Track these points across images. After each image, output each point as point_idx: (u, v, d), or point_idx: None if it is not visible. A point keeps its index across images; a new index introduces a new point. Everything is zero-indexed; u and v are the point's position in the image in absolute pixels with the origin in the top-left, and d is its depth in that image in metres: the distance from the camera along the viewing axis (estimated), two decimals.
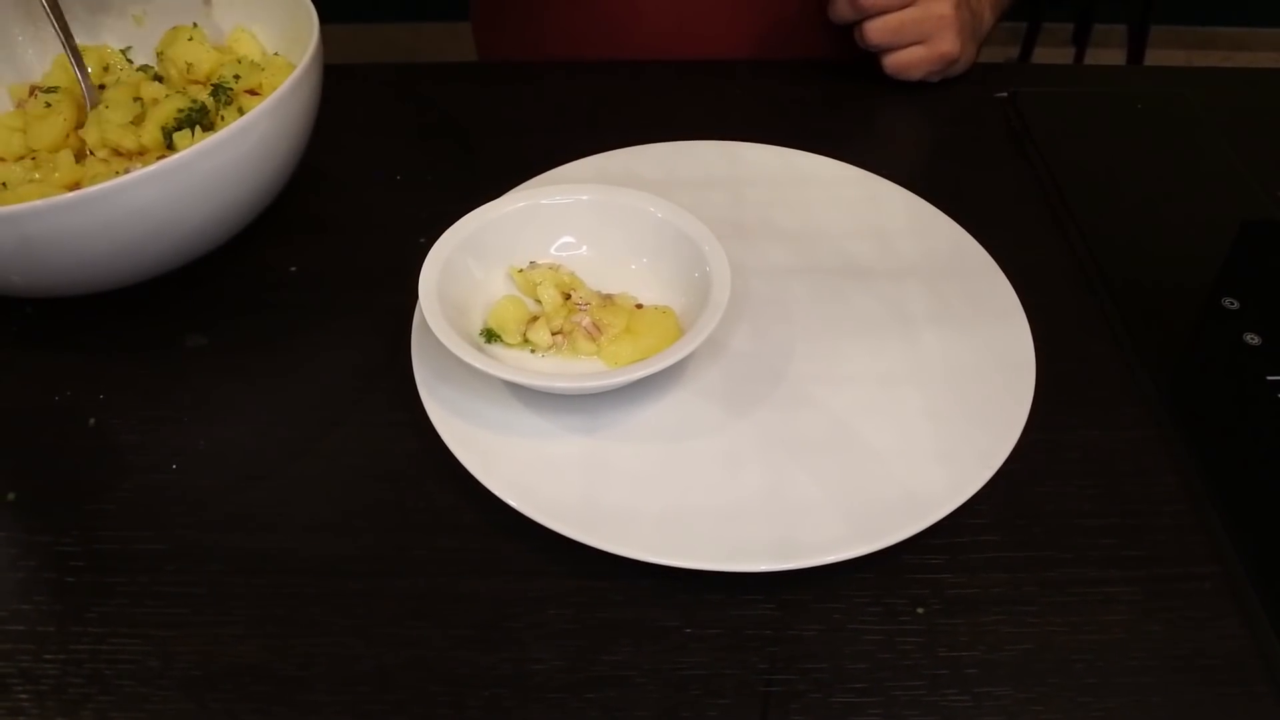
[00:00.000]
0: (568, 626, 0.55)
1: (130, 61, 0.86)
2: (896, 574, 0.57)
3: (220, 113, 0.78)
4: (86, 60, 0.83)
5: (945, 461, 0.60)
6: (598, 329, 0.66)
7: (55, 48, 0.84)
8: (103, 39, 0.87)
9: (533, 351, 0.67)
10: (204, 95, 0.79)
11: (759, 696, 0.52)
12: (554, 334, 0.67)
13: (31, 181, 0.74)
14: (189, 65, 0.81)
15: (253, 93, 0.80)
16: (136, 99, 0.79)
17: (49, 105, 0.79)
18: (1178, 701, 0.52)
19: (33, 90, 0.81)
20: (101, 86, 0.82)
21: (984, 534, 0.59)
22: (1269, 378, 0.65)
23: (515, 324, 0.67)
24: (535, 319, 0.68)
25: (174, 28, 0.85)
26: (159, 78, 0.83)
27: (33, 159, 0.76)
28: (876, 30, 0.89)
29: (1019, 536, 0.59)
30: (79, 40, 0.85)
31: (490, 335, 0.67)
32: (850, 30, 0.93)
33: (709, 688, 0.53)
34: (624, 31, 1.05)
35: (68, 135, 0.78)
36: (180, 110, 0.76)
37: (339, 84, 0.78)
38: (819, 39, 1.01)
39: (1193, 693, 0.52)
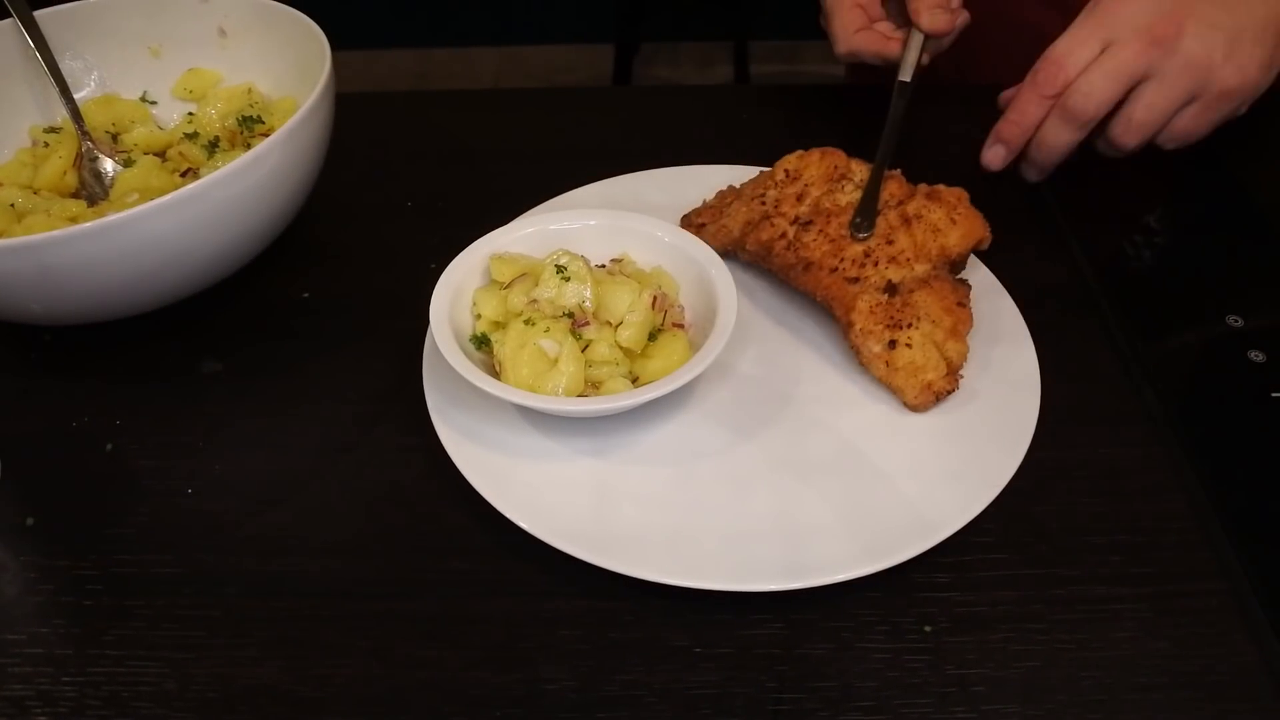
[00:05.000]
0: (579, 647, 0.56)
1: (154, 103, 0.89)
2: (904, 592, 0.58)
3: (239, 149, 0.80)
4: (112, 110, 0.86)
5: (952, 481, 0.61)
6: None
7: (78, 90, 0.86)
8: (119, 70, 0.89)
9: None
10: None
11: (768, 715, 0.53)
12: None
13: (39, 212, 0.76)
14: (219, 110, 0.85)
15: (264, 135, 0.82)
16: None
17: (47, 145, 0.82)
18: (1186, 717, 0.52)
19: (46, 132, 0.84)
20: (125, 152, 0.84)
21: (991, 552, 0.60)
22: (1273, 394, 0.66)
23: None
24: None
25: (194, 70, 0.88)
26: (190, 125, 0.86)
27: (35, 193, 0.80)
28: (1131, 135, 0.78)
29: (1026, 554, 0.60)
30: (102, 73, 0.89)
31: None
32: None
33: (719, 706, 0.53)
34: None
35: (65, 173, 0.80)
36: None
37: (350, 112, 0.80)
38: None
39: (1201, 709, 0.53)
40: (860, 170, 0.75)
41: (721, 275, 0.68)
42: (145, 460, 0.66)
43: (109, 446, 0.67)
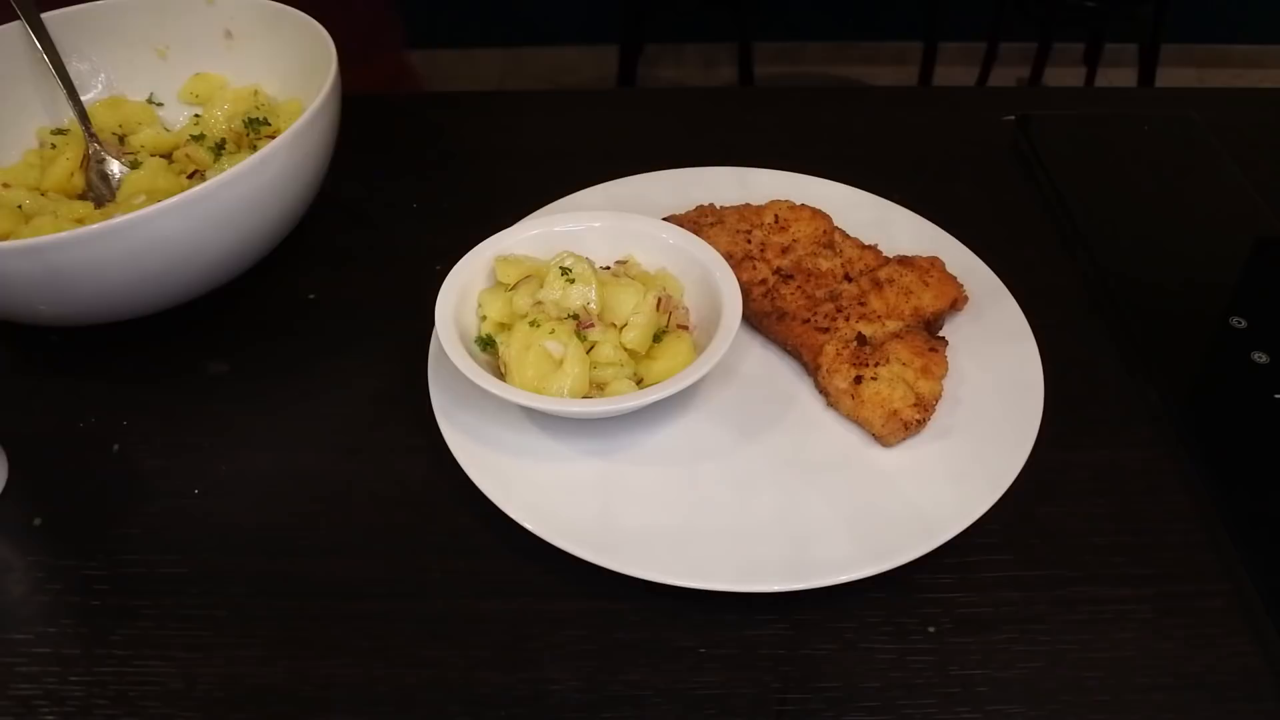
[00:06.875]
0: (584, 647, 0.56)
1: (161, 104, 0.89)
2: (908, 593, 0.58)
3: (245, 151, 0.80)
4: (119, 112, 0.87)
5: (955, 482, 0.61)
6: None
7: (85, 92, 0.87)
8: (126, 72, 0.89)
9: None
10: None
11: (773, 715, 0.53)
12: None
13: (46, 213, 0.76)
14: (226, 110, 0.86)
15: (270, 137, 0.82)
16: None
17: (54, 146, 0.83)
18: (1189, 718, 0.52)
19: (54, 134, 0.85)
20: (132, 154, 0.84)
21: (994, 553, 0.60)
22: (1277, 396, 0.66)
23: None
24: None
25: (201, 75, 0.89)
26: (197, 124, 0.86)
27: (42, 194, 0.80)
28: None
29: (1029, 555, 0.60)
30: (109, 75, 0.89)
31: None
32: None
33: (724, 707, 0.53)
34: None
35: (72, 175, 0.81)
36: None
37: (355, 114, 0.80)
38: None
39: (1204, 710, 0.53)
40: (844, 242, 0.75)
41: (725, 277, 0.68)
42: (152, 461, 0.67)
43: (116, 447, 0.67)
